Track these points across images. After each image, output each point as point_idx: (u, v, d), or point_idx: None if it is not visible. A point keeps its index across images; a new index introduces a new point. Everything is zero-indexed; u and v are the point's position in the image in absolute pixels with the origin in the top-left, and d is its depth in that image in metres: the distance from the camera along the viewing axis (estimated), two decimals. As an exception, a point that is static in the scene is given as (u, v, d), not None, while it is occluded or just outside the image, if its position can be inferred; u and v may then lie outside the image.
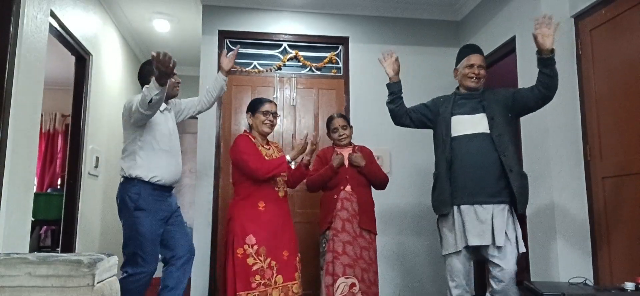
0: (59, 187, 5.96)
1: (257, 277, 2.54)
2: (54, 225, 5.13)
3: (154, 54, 2.20)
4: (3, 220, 2.40)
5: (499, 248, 2.34)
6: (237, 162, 2.71)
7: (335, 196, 2.95)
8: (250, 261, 2.55)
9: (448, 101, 2.63)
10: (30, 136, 2.69)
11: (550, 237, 3.01)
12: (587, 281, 2.57)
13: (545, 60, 2.30)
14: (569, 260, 2.93)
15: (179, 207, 2.79)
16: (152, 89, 2.32)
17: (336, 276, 2.80)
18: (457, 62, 2.66)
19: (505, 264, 2.33)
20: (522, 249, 2.40)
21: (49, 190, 5.91)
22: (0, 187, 2.39)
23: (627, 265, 2.68)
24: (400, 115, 2.70)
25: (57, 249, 4.00)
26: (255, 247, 2.57)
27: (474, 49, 2.64)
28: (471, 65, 2.56)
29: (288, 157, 2.73)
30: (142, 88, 2.54)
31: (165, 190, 2.64)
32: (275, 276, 2.59)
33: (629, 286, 2.28)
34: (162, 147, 2.61)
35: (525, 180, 2.46)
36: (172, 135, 2.72)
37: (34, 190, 3.08)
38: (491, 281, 2.39)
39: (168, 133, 2.68)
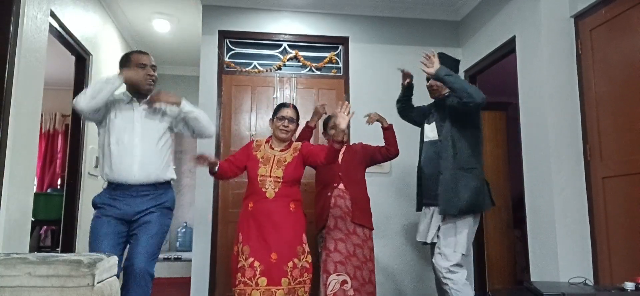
0: (59, 187, 5.96)
1: (239, 275, 2.57)
2: (54, 225, 5.13)
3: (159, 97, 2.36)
4: (3, 220, 2.41)
5: (433, 244, 2.73)
6: None
7: (329, 193, 2.98)
8: (239, 258, 2.61)
9: (426, 111, 2.97)
10: (30, 136, 2.69)
11: (551, 237, 3.01)
12: (587, 281, 2.57)
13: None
14: (569, 260, 2.93)
15: (151, 211, 2.37)
16: (113, 81, 2.32)
17: (328, 274, 2.81)
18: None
19: (436, 259, 2.66)
20: (462, 250, 2.59)
21: (49, 190, 5.92)
22: (0, 187, 2.39)
23: (627, 265, 2.68)
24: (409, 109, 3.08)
25: (57, 249, 4.00)
26: (241, 245, 2.63)
27: None
28: (428, 79, 2.81)
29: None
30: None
31: (122, 189, 2.36)
32: (258, 278, 2.53)
33: (629, 286, 2.27)
34: (111, 142, 2.38)
35: (460, 183, 2.58)
36: (128, 131, 2.40)
37: (34, 190, 3.09)
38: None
39: (121, 128, 2.39)
